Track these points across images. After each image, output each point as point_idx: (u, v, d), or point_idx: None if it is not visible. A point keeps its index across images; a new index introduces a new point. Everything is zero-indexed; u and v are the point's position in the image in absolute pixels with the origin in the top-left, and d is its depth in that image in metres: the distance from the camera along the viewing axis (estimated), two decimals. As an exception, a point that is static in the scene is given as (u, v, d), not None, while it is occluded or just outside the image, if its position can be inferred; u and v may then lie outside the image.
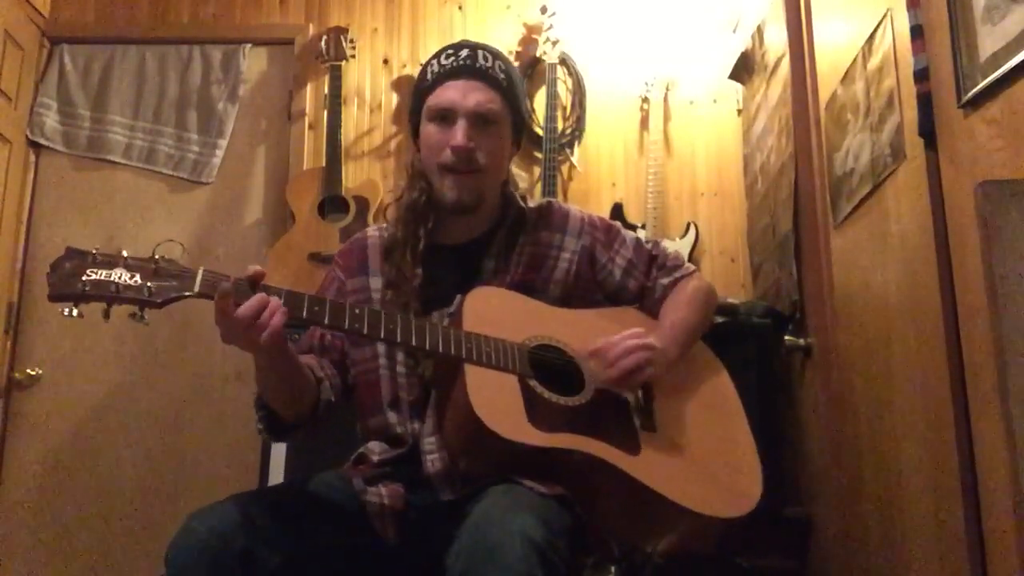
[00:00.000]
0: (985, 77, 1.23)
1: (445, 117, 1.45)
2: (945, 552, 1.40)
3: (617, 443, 1.29)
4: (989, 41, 1.22)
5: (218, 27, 3.20)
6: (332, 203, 2.88)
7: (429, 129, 1.47)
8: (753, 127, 2.78)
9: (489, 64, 1.48)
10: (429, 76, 1.49)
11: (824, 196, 2.04)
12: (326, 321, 1.25)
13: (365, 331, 1.27)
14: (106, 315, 1.17)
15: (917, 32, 1.46)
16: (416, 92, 1.53)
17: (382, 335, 1.28)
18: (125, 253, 1.18)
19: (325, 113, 3.00)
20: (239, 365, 2.83)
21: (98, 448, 2.88)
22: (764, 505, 1.35)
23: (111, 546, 2.81)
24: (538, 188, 2.87)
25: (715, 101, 3.07)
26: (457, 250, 1.50)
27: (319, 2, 3.20)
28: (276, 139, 3.12)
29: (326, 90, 3.02)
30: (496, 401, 1.26)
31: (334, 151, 2.93)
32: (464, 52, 1.48)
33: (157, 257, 1.20)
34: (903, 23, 1.51)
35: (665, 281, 1.55)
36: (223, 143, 3.08)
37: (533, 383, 1.31)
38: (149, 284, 1.17)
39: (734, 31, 2.94)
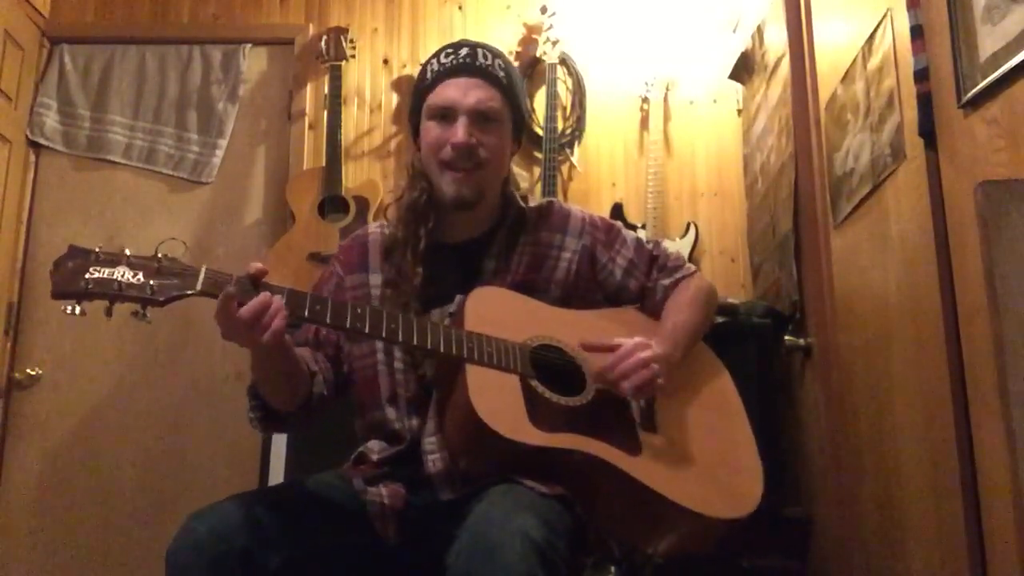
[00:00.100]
0: (985, 77, 1.23)
1: (445, 115, 1.45)
2: (945, 552, 1.40)
3: (618, 443, 1.29)
4: (989, 41, 1.22)
5: (218, 27, 3.20)
6: (332, 203, 2.88)
7: (429, 127, 1.47)
8: (753, 127, 2.78)
9: (489, 62, 1.48)
10: (429, 75, 1.50)
11: (824, 196, 2.04)
12: (328, 320, 1.25)
13: (367, 330, 1.27)
14: (108, 313, 1.18)
15: (917, 32, 1.46)
16: (416, 91, 1.53)
17: (383, 334, 1.28)
18: (128, 251, 1.19)
19: (325, 113, 3.00)
20: (239, 365, 2.83)
21: (98, 448, 2.88)
22: (764, 505, 1.35)
23: (111, 546, 2.81)
24: (538, 188, 2.87)
25: (715, 101, 3.07)
26: (458, 249, 1.50)
27: (319, 2, 3.20)
28: (276, 139, 3.12)
29: (326, 90, 3.02)
30: (497, 401, 1.26)
31: (334, 151, 2.93)
32: (464, 51, 1.49)
33: (160, 255, 1.20)
34: (903, 23, 1.51)
35: (666, 282, 1.55)
36: (223, 143, 3.08)
37: (534, 383, 1.31)
38: (152, 282, 1.17)
39: (734, 31, 2.94)
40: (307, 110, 3.08)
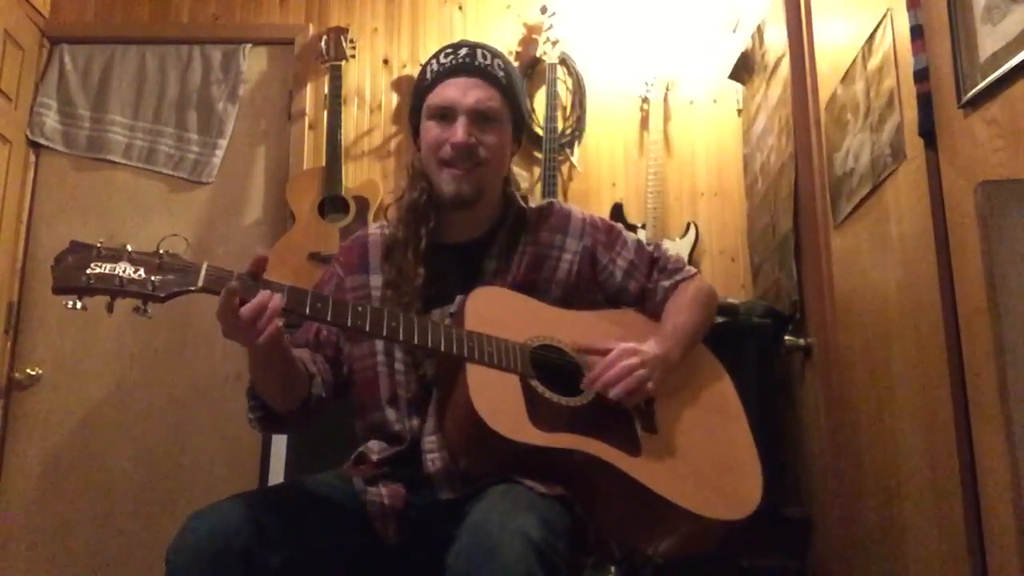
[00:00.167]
0: (985, 77, 1.23)
1: (445, 115, 1.45)
2: (945, 552, 1.40)
3: (618, 444, 1.29)
4: (989, 41, 1.22)
5: (218, 27, 3.20)
6: (332, 203, 2.88)
7: (429, 127, 1.47)
8: (753, 127, 2.78)
9: (488, 62, 1.48)
10: (428, 75, 1.50)
11: (824, 196, 2.04)
12: (328, 318, 1.26)
13: (367, 329, 1.27)
14: (109, 308, 1.18)
15: (917, 32, 1.46)
16: (416, 91, 1.54)
17: (384, 333, 1.28)
18: (129, 247, 1.19)
19: (325, 113, 3.00)
20: (239, 365, 2.82)
21: (98, 448, 2.88)
22: (764, 505, 1.35)
23: (111, 546, 2.81)
24: (538, 188, 2.86)
25: (715, 101, 3.07)
26: (458, 249, 1.50)
27: (319, 2, 3.20)
28: (276, 139, 3.12)
29: (326, 90, 3.02)
30: (497, 400, 1.26)
31: (334, 151, 2.93)
32: (463, 51, 1.49)
33: (161, 252, 1.20)
34: (903, 23, 1.51)
35: (666, 283, 1.55)
36: (223, 143, 3.08)
37: (535, 383, 1.31)
38: (153, 278, 1.18)
39: (734, 31, 2.95)
40: (307, 110, 3.08)
